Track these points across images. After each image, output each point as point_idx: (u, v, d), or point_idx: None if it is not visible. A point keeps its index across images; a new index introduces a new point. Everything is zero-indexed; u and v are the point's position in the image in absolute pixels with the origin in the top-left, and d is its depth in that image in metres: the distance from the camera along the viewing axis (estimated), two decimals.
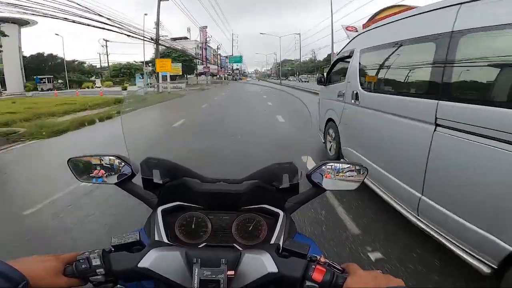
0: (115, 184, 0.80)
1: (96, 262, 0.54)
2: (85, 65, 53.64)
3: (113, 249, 0.57)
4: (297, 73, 79.78)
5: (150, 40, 24.46)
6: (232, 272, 0.53)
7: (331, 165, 0.80)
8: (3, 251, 2.25)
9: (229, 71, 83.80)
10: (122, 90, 29.04)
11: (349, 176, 0.81)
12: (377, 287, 0.49)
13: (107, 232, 2.57)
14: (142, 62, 36.44)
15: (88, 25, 16.51)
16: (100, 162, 0.81)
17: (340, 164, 0.81)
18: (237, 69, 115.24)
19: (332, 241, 2.43)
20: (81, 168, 0.81)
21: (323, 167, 0.79)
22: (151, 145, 1.15)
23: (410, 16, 2.60)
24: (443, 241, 1.94)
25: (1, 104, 13.94)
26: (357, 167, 0.81)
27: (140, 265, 0.54)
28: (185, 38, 51.48)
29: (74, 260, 0.55)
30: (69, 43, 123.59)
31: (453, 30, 1.91)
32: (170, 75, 32.26)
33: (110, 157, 0.81)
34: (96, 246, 0.59)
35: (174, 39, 45.03)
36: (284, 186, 0.76)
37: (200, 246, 0.74)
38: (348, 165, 0.81)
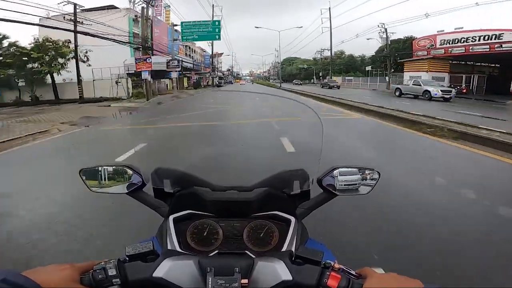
0: (126, 193, 0.81)
1: (112, 272, 0.54)
2: None
3: (127, 258, 0.58)
4: (316, 75, 54.21)
5: None
6: (245, 281, 0.53)
7: (342, 170, 0.79)
8: None
9: (207, 70, 48.53)
10: None
11: (361, 180, 0.80)
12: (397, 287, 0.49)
13: None
14: None
15: None
16: (111, 172, 0.81)
17: (351, 169, 0.80)
18: (229, 69, 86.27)
19: None
20: (93, 178, 0.82)
21: (334, 171, 0.79)
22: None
23: None
24: None
25: None
26: (369, 171, 0.80)
27: (155, 274, 0.55)
28: (111, 7, 27.12)
29: (90, 269, 0.55)
30: None
31: None
32: None
33: (120, 167, 0.81)
34: None
35: (89, 9, 23.65)
36: (295, 193, 0.76)
37: (212, 253, 0.74)
38: (360, 169, 0.80)
